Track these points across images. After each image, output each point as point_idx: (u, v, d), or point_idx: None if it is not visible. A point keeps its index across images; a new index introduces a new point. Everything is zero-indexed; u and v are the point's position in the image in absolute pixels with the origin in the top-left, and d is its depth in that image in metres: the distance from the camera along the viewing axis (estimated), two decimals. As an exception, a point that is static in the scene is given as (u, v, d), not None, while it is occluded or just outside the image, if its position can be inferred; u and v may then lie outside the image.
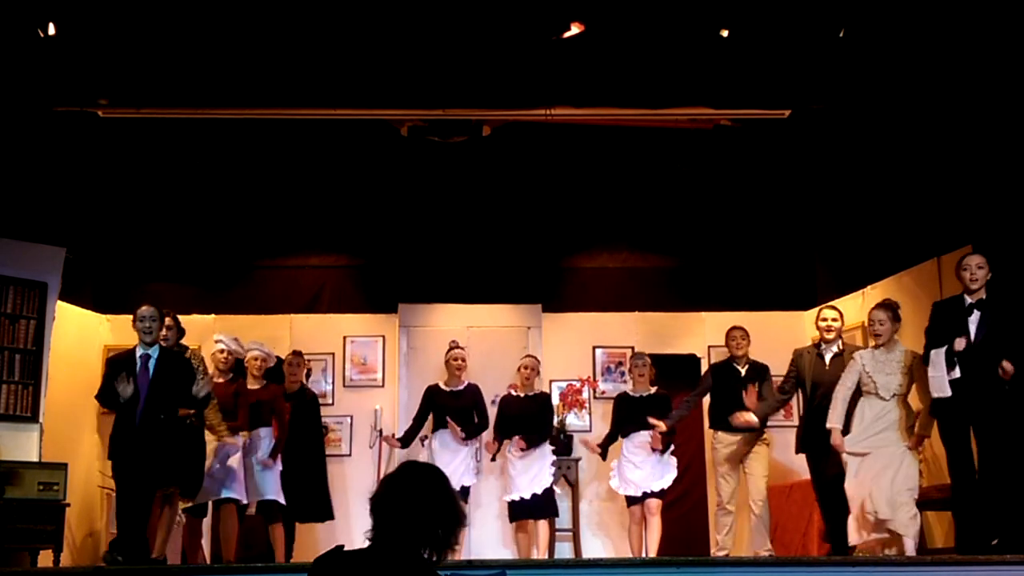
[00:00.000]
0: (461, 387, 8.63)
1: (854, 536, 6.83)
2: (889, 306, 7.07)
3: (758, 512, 7.96)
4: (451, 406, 8.53)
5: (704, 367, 10.02)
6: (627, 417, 8.37)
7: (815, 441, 7.41)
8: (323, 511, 8.41)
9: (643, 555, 8.08)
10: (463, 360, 8.69)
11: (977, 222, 7.75)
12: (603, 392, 9.88)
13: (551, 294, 10.23)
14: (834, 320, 7.65)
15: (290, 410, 8.12)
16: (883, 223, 9.14)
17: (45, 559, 8.04)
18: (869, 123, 8.67)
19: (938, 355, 6.58)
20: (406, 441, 8.64)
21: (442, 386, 8.68)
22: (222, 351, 7.90)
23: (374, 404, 9.74)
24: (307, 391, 8.58)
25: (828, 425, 6.94)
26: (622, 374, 9.89)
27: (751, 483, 8.01)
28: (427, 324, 10.01)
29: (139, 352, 6.90)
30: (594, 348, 10.10)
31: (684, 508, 9.70)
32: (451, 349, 8.83)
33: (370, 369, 9.98)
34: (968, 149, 8.00)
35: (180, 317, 7.79)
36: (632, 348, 9.73)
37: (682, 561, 6.37)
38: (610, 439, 8.49)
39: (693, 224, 10.35)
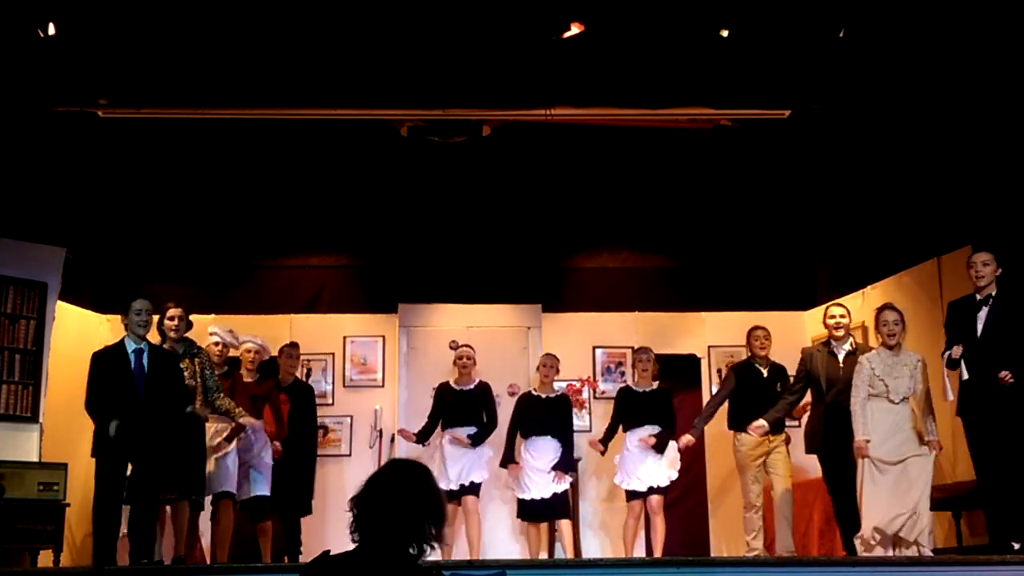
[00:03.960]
0: (471, 385, 8.68)
1: (861, 551, 6.72)
2: (896, 308, 7.06)
3: (784, 512, 7.87)
4: (461, 404, 8.58)
5: (704, 367, 10.05)
6: (629, 411, 8.41)
7: (832, 442, 7.30)
8: (302, 506, 8.22)
9: (639, 554, 8.08)
10: (469, 359, 8.71)
11: (977, 222, 7.76)
12: (603, 392, 9.86)
13: (551, 294, 10.23)
14: (842, 316, 7.56)
15: (287, 402, 8.13)
16: (883, 223, 9.14)
17: (45, 559, 8.04)
18: (869, 123, 8.67)
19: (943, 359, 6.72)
20: (423, 437, 8.62)
21: (452, 384, 8.73)
22: (216, 343, 7.89)
23: (374, 404, 9.72)
24: (302, 383, 8.60)
25: (859, 438, 6.80)
26: (622, 374, 9.88)
27: (776, 482, 7.92)
28: (427, 324, 10.01)
29: (131, 347, 6.76)
30: (594, 348, 10.08)
31: (684, 508, 9.70)
32: (457, 348, 8.86)
33: (370, 369, 9.97)
34: (967, 149, 8.00)
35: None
36: (632, 348, 9.73)
37: (682, 561, 6.39)
38: (610, 433, 8.51)
39: (693, 224, 10.35)
